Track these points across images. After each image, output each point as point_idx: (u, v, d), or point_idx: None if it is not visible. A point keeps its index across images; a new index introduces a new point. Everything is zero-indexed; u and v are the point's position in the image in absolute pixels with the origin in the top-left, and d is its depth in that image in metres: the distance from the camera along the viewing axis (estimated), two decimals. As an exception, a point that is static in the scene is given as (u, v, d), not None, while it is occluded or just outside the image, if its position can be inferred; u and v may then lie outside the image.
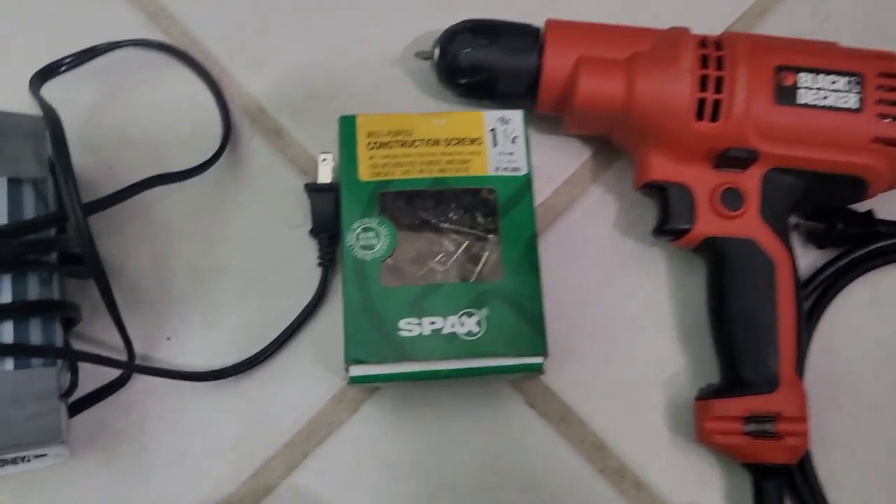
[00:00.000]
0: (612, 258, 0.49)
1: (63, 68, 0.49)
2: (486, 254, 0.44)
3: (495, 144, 0.44)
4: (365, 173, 0.44)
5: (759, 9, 0.54)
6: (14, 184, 0.42)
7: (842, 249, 0.48)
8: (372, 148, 0.44)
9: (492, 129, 0.44)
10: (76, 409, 0.44)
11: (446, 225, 0.44)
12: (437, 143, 0.44)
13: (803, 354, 0.44)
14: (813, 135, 0.44)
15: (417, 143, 0.44)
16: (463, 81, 0.47)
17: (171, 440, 0.46)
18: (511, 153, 0.44)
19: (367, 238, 0.42)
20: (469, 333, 0.41)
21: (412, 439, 0.46)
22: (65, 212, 0.40)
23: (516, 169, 0.44)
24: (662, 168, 0.45)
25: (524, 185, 0.44)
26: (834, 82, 0.44)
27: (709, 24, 0.53)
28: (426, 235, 0.44)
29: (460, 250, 0.44)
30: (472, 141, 0.44)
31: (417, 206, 0.45)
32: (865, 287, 0.49)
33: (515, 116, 0.45)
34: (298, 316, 0.47)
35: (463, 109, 0.49)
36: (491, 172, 0.44)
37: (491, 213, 0.44)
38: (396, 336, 0.41)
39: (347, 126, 0.44)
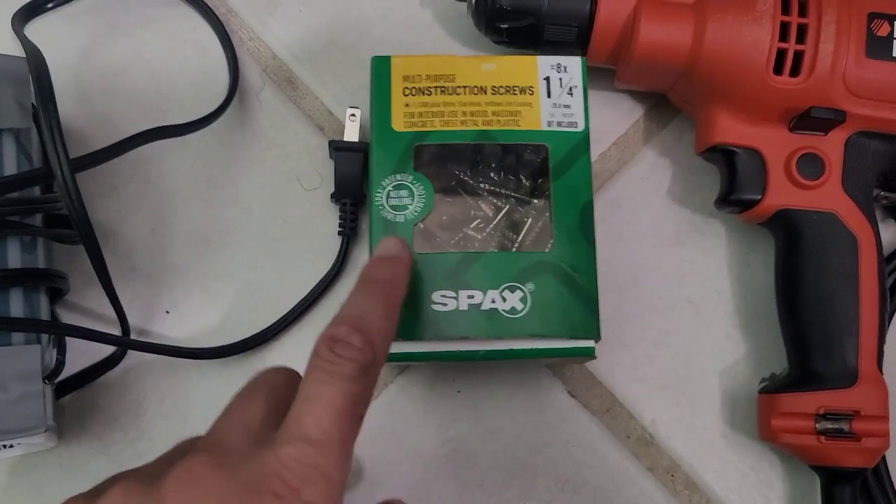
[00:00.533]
0: (666, 231, 0.44)
1: (50, 5, 0.43)
2: (530, 221, 0.38)
3: (549, 95, 0.39)
4: (399, 123, 0.38)
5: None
6: (-8, 134, 0.37)
7: (927, 225, 0.43)
8: (408, 94, 0.39)
9: (546, 78, 0.39)
10: (64, 389, 0.39)
11: (485, 186, 0.39)
12: (483, 90, 0.39)
13: (884, 344, 0.39)
14: (910, 94, 0.38)
15: (460, 90, 0.39)
16: (504, 26, 0.41)
17: (171, 426, 0.41)
18: (567, 106, 0.39)
19: (400, 197, 0.37)
20: (512, 310, 0.36)
21: (439, 429, 0.42)
22: (50, 168, 0.35)
23: (573, 124, 0.38)
24: (731, 130, 0.40)
25: (581, 144, 0.38)
26: (936, 33, 0.38)
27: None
28: (462, 197, 0.39)
29: (500, 216, 0.39)
30: (524, 90, 0.39)
31: (453, 162, 0.39)
32: (950, 268, 0.43)
33: (574, 64, 0.39)
34: (313, 290, 0.42)
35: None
36: (544, 127, 0.38)
37: (537, 174, 0.38)
38: (429, 310, 0.36)
39: (381, 68, 0.39)
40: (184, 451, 0.29)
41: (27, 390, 0.35)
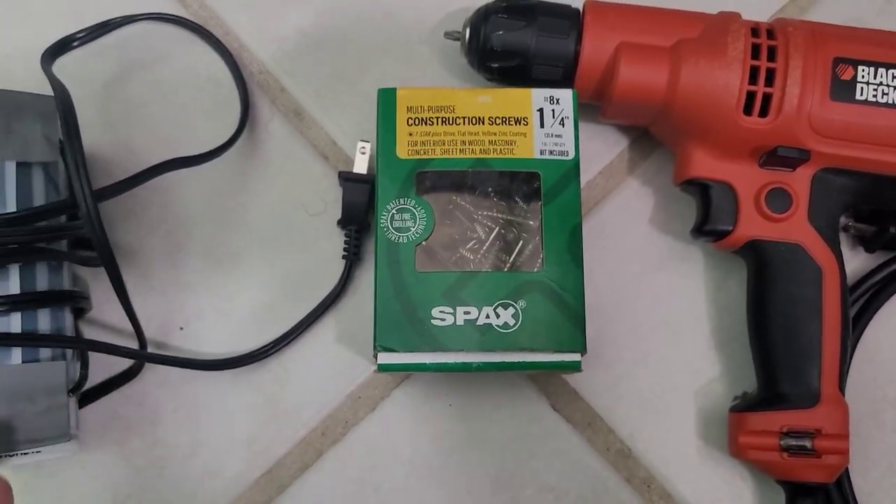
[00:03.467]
0: (648, 255, 0.47)
1: (76, 43, 0.47)
2: (521, 243, 0.42)
3: (542, 125, 0.41)
4: (403, 151, 0.41)
5: (815, -11, 0.50)
6: (24, 168, 0.40)
7: (893, 254, 0.45)
8: (412, 124, 0.42)
9: (539, 109, 0.42)
10: (87, 399, 0.43)
11: (483, 212, 0.42)
12: (480, 121, 0.42)
13: (846, 368, 0.42)
14: (871, 134, 0.40)
15: (460, 120, 0.42)
16: (495, 65, 0.44)
17: (185, 434, 0.44)
18: (559, 135, 0.41)
19: (403, 220, 0.40)
20: (504, 325, 0.39)
21: (431, 441, 0.45)
22: (75, 198, 0.39)
23: (564, 153, 0.41)
24: (705, 164, 0.43)
25: (571, 171, 0.41)
26: (896, 77, 0.40)
27: (762, 4, 0.49)
28: (459, 220, 0.42)
29: (492, 236, 0.42)
30: (518, 121, 0.42)
31: (451, 187, 0.42)
32: (916, 294, 0.46)
33: (566, 96, 0.42)
34: (317, 307, 0.45)
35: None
36: (536, 155, 0.41)
37: (530, 198, 0.41)
38: (429, 324, 0.39)
39: (387, 99, 0.42)
40: None
41: (53, 402, 0.38)
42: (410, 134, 0.41)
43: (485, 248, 0.42)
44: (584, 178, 0.47)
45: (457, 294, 0.40)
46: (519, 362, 0.39)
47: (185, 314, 0.46)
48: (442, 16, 0.49)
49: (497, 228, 0.42)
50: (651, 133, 0.46)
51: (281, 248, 0.47)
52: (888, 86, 0.40)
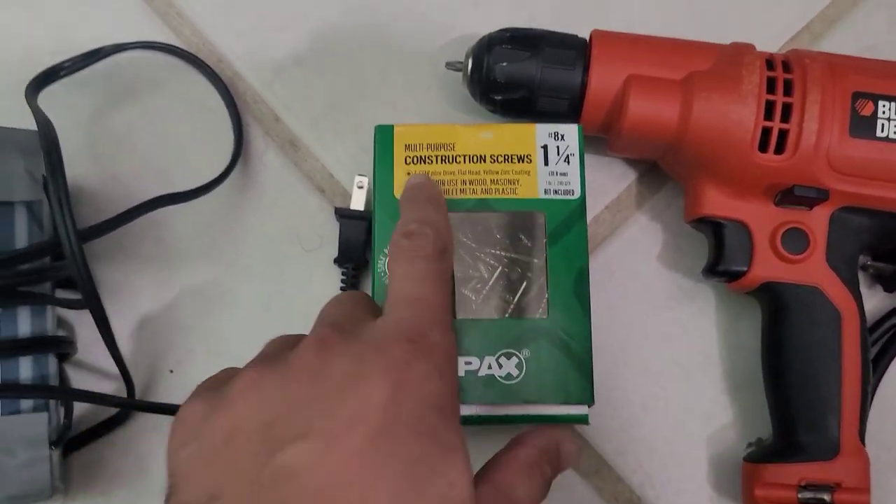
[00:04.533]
0: (656, 294, 0.45)
1: (63, 73, 0.45)
2: (525, 283, 0.39)
3: (546, 163, 0.40)
4: (401, 191, 0.39)
5: (831, 15, 0.48)
6: (6, 207, 0.38)
7: (914, 294, 0.44)
8: (409, 163, 0.40)
9: (543, 146, 0.40)
10: (71, 446, 0.41)
11: (486, 250, 0.40)
12: (482, 159, 0.40)
13: (867, 416, 0.40)
14: (893, 172, 0.39)
15: (460, 158, 0.40)
16: (498, 98, 0.43)
17: (173, 482, 0.42)
18: (564, 173, 0.39)
19: None
20: (508, 377, 0.37)
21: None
22: (59, 239, 0.37)
23: (569, 192, 0.39)
24: (718, 202, 0.41)
25: (577, 211, 0.39)
26: (919, 113, 0.39)
27: (773, 31, 0.48)
28: (461, 258, 0.40)
29: (495, 275, 0.40)
30: (522, 158, 0.40)
31: (451, 225, 0.40)
32: (938, 335, 0.44)
33: (571, 132, 0.40)
34: (312, 349, 0.44)
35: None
36: (541, 195, 0.39)
37: (534, 237, 0.40)
38: None
39: (384, 137, 0.40)
40: (288, 339, 0.31)
41: (34, 456, 0.37)
42: (408, 173, 0.39)
43: (488, 287, 0.40)
44: (590, 213, 0.46)
45: (458, 343, 0.37)
46: (523, 415, 0.37)
47: (176, 355, 0.44)
48: (443, 44, 0.48)
49: (500, 268, 0.40)
50: (661, 167, 0.44)
51: (275, 285, 0.45)
52: (910, 122, 0.38)
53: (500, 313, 0.39)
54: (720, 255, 0.41)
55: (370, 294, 0.38)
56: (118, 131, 0.47)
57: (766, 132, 0.39)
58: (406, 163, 0.40)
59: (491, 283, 0.40)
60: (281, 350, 0.29)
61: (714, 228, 0.41)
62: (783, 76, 0.39)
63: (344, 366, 0.26)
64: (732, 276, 0.41)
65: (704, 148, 0.40)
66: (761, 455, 0.40)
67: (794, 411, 0.39)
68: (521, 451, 0.32)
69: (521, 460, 0.31)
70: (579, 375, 0.37)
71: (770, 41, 0.47)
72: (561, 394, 0.37)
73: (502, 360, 0.37)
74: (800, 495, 0.38)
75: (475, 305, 0.39)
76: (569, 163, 0.40)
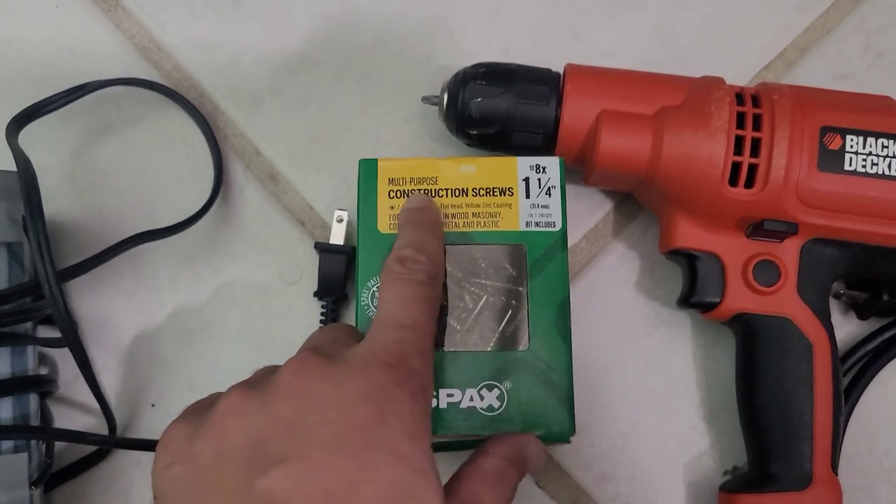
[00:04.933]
0: (634, 322, 0.46)
1: (45, 110, 0.45)
2: (510, 312, 0.40)
3: (528, 196, 0.40)
4: (385, 225, 0.39)
5: (803, 44, 0.49)
6: (-15, 249, 0.39)
7: (886, 321, 0.44)
8: (393, 196, 0.40)
9: (525, 179, 0.40)
10: (52, 483, 0.42)
11: (471, 279, 0.40)
12: (464, 192, 0.40)
13: (840, 446, 0.40)
14: (861, 205, 0.39)
15: (443, 192, 0.40)
16: (474, 132, 0.43)
17: (156, 516, 0.43)
18: (546, 206, 0.40)
19: None
20: (489, 408, 0.38)
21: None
22: (39, 280, 0.37)
23: (550, 224, 0.40)
24: (691, 235, 0.41)
25: (558, 243, 0.39)
26: (885, 147, 0.39)
27: (748, 59, 0.48)
28: (445, 288, 0.40)
29: (480, 305, 0.40)
30: (503, 191, 0.40)
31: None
32: (911, 361, 0.45)
33: (553, 164, 0.40)
34: (293, 381, 0.44)
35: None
36: (522, 228, 0.40)
37: (519, 266, 0.40)
38: None
39: (368, 171, 0.40)
40: (274, 367, 0.32)
41: (14, 498, 0.37)
42: (392, 207, 0.40)
43: (472, 317, 0.40)
44: (569, 241, 0.46)
45: (440, 375, 0.38)
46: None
47: (158, 389, 0.44)
48: (421, 76, 0.48)
49: (485, 297, 0.40)
50: (635, 198, 0.45)
51: (256, 318, 0.45)
52: (877, 155, 0.39)
53: (484, 343, 0.39)
54: (693, 286, 0.41)
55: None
56: (99, 166, 0.47)
57: (736, 167, 0.39)
58: (390, 196, 0.40)
59: (475, 312, 0.40)
60: (265, 375, 0.30)
61: (688, 260, 0.42)
62: (752, 111, 0.40)
63: (324, 388, 0.28)
64: (706, 308, 0.41)
65: (676, 182, 0.40)
66: (736, 485, 0.41)
67: (767, 441, 0.40)
68: (486, 462, 0.33)
69: (487, 471, 0.32)
70: (560, 407, 0.38)
71: (744, 70, 0.48)
72: (542, 425, 0.38)
73: (484, 391, 0.38)
74: (773, 526, 0.39)
75: (459, 335, 0.40)
76: (550, 195, 0.40)
